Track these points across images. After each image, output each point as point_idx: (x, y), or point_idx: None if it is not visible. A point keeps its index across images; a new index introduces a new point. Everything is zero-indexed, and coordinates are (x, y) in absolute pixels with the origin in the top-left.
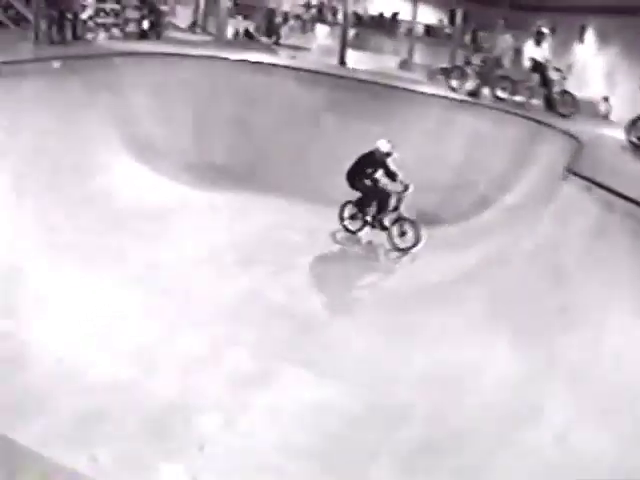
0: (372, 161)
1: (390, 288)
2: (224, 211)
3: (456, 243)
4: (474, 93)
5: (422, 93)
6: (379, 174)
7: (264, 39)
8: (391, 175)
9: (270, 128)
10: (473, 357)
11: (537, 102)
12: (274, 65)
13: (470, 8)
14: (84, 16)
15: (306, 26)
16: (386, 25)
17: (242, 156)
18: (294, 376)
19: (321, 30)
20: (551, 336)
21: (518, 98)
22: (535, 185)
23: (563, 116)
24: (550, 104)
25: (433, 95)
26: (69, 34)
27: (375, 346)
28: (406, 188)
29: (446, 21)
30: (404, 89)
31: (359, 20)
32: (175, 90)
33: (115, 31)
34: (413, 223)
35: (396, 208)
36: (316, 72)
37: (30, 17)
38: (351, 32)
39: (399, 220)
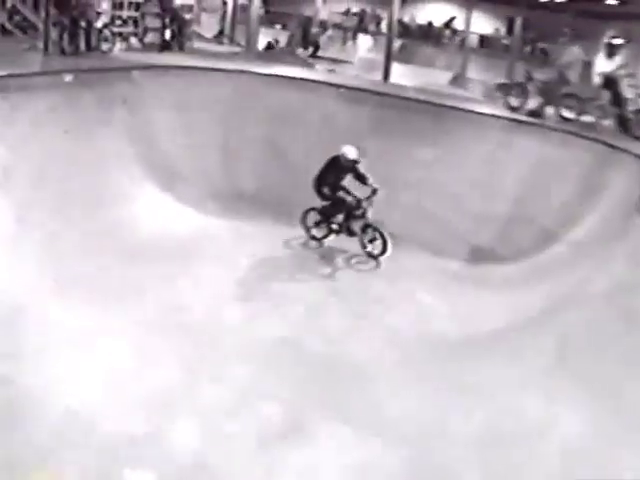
0: (339, 168)
1: (438, 332)
2: (254, 245)
3: (516, 283)
4: (536, 113)
5: (477, 113)
6: (347, 180)
7: (299, 51)
8: (362, 178)
9: (305, 152)
10: (535, 415)
11: (609, 123)
12: (310, 80)
13: (530, 16)
14: (99, 24)
15: (346, 36)
16: (436, 35)
17: (273, 183)
18: (332, 433)
19: (363, 41)
20: (626, 392)
21: (587, 118)
22: (607, 218)
23: (639, 139)
24: (624, 125)
25: (489, 115)
26: (82, 44)
27: (422, 399)
28: (374, 192)
29: (503, 30)
30: (456, 108)
31: (406, 30)
32: (200, 108)
33: (133, 41)
34: (378, 230)
35: (363, 214)
36: (357, 89)
37: (39, 25)
38: (397, 43)
39: (367, 227)
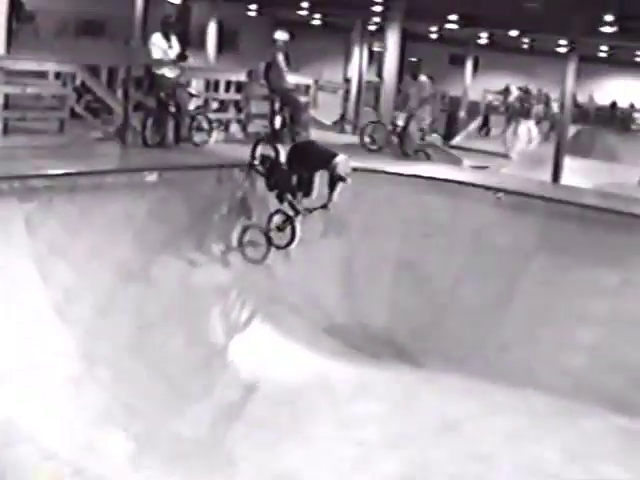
0: (324, 159)
1: None
2: (383, 396)
3: None
4: None
5: None
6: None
7: (435, 139)
8: (332, 186)
9: (452, 276)
10: None
11: None
12: (458, 183)
13: None
14: (191, 108)
15: (508, 122)
16: (621, 120)
17: (410, 316)
18: None
19: (525, 128)
20: None
21: None
22: None
23: None
24: None
25: None
26: (170, 134)
27: None
28: (325, 207)
29: None
30: None
31: (582, 113)
32: (315, 217)
33: (235, 130)
34: (293, 222)
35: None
36: (520, 193)
37: (116, 108)
38: (570, 130)
39: (283, 217)
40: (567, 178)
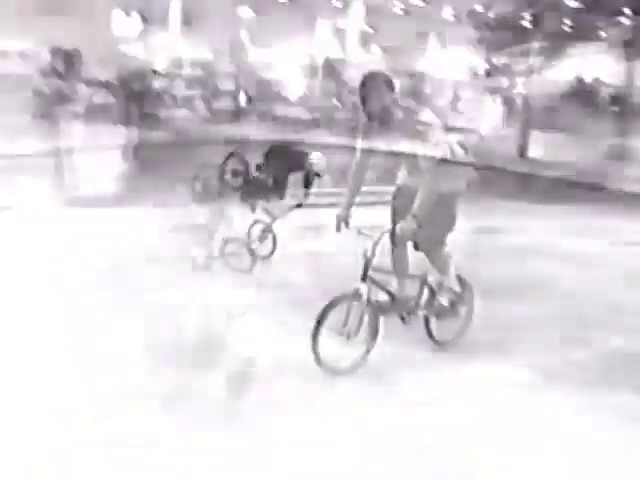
0: (299, 160)
1: None
2: (356, 374)
3: None
4: None
5: None
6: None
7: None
8: (307, 184)
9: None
10: None
11: None
12: (423, 157)
13: None
14: (155, 86)
15: (475, 97)
16: (587, 95)
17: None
18: None
19: (491, 104)
20: None
21: None
22: None
23: None
24: None
25: None
26: (135, 111)
27: None
28: (300, 205)
29: None
30: (616, 192)
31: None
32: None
33: (200, 107)
34: (271, 229)
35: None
36: (487, 168)
37: (80, 86)
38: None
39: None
40: (533, 152)
